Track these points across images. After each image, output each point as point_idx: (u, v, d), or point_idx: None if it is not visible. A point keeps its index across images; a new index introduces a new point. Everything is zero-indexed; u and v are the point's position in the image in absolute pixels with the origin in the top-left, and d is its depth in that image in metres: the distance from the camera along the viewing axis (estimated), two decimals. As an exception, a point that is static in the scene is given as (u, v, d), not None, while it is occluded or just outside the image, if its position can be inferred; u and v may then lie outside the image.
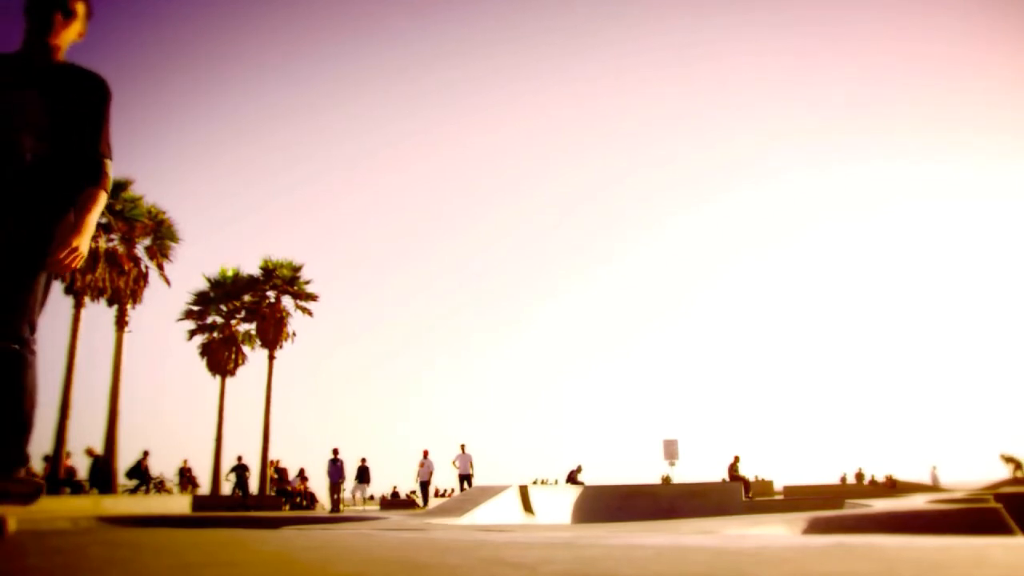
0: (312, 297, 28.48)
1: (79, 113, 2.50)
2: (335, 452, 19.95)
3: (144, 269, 23.22)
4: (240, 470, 21.63)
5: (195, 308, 28.10)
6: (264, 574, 1.42)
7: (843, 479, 32.72)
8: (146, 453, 20.03)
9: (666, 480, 23.93)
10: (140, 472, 19.85)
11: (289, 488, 21.74)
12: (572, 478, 23.23)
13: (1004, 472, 27.49)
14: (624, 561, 1.48)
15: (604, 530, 3.23)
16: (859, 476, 31.78)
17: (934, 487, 25.66)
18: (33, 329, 2.33)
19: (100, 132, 2.54)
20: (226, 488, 23.71)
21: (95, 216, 2.47)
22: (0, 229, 2.31)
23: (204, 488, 24.05)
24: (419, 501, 22.92)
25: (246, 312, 28.12)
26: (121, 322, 22.63)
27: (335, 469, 19.69)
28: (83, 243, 2.39)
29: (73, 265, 2.36)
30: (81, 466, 19.93)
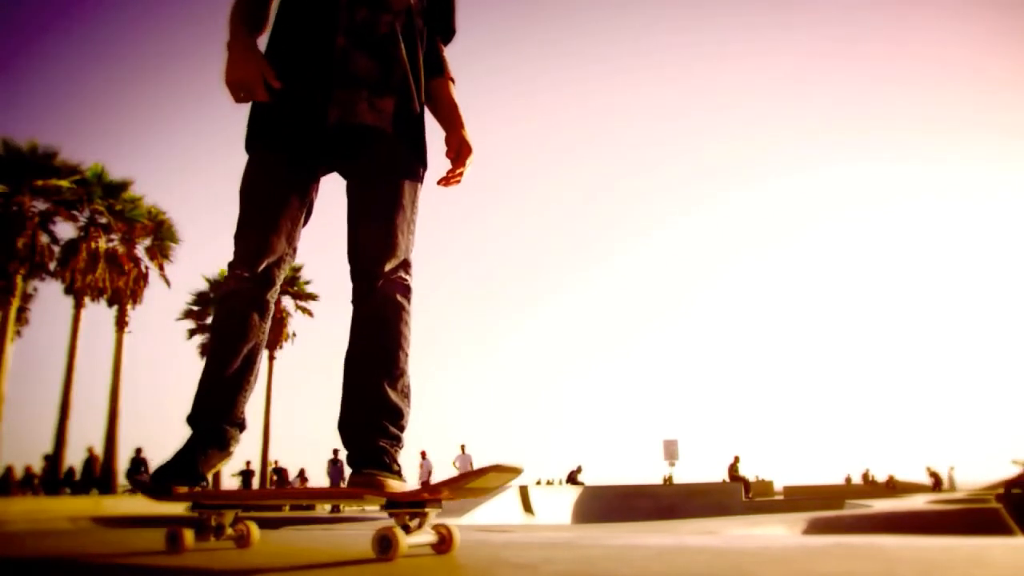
0: (312, 297, 28.49)
1: None
2: (335, 453, 19.93)
3: (144, 269, 23.21)
4: (247, 475, 21.81)
5: (195, 308, 28.09)
6: (266, 574, 1.42)
7: (848, 480, 32.57)
8: (138, 450, 20.01)
9: (668, 480, 23.90)
10: (137, 471, 19.83)
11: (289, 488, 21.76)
12: (572, 478, 23.21)
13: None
14: (624, 561, 1.48)
15: (604, 530, 3.23)
16: (865, 477, 31.62)
17: (949, 488, 25.49)
18: (409, 264, 1.82)
19: (452, 7, 2.08)
20: (227, 488, 23.74)
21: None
22: (376, 110, 1.80)
23: (204, 488, 24.04)
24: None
25: (246, 312, 28.09)
26: (121, 322, 22.62)
27: (335, 470, 19.69)
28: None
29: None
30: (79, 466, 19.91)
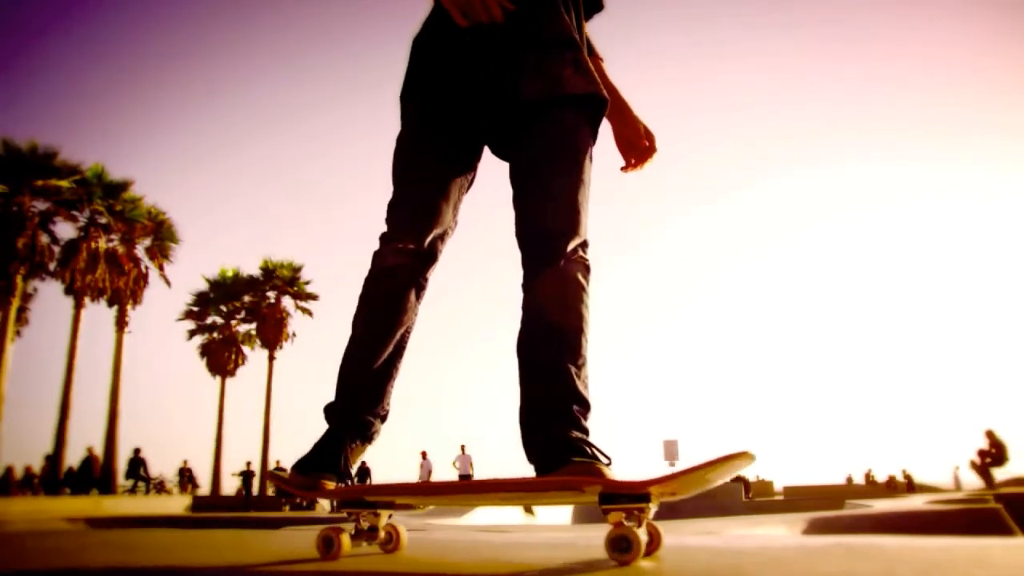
0: (312, 297, 28.51)
1: None
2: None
3: (144, 270, 23.26)
4: (247, 475, 21.85)
5: (195, 308, 28.13)
6: (267, 574, 1.42)
7: (849, 480, 32.54)
8: (137, 450, 20.02)
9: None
10: (136, 471, 19.86)
11: (289, 488, 21.75)
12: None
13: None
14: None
15: (605, 531, 3.23)
16: (867, 477, 31.56)
17: (955, 488, 25.48)
18: (588, 244, 1.64)
19: None
20: (226, 488, 23.83)
21: None
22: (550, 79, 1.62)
23: (204, 488, 24.09)
24: (419, 501, 22.92)
25: (246, 312, 28.16)
26: (121, 322, 22.66)
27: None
28: None
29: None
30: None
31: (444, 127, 1.68)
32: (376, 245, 1.72)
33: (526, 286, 1.61)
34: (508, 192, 1.66)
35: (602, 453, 1.43)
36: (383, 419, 1.68)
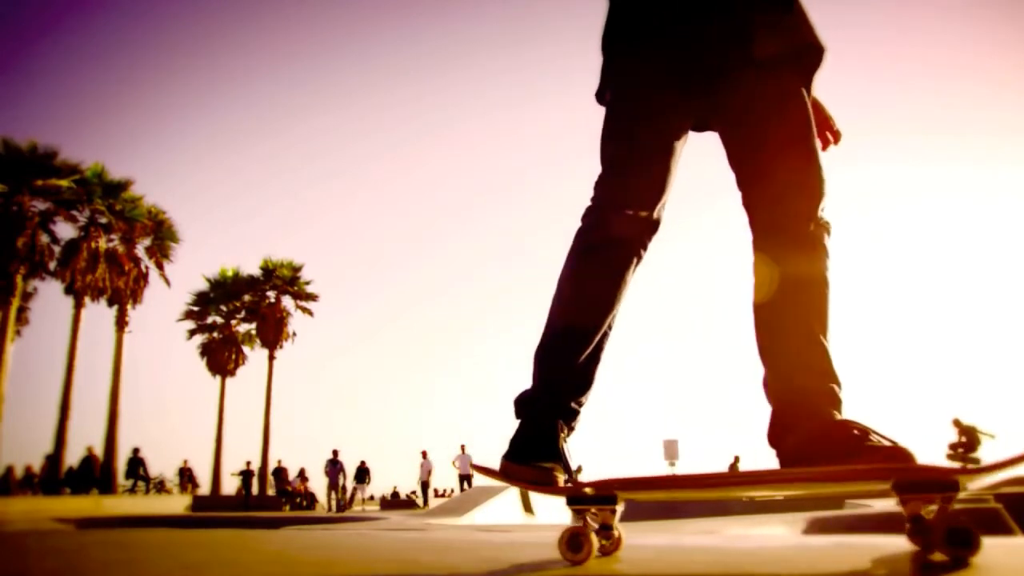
0: (312, 297, 28.53)
1: None
2: (335, 453, 19.96)
3: (144, 269, 23.27)
4: (247, 475, 21.87)
5: (195, 308, 28.13)
6: (266, 574, 1.42)
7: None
8: (136, 450, 20.04)
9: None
10: (135, 471, 19.87)
11: (289, 488, 21.76)
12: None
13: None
14: (625, 561, 1.48)
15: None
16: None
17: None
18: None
19: None
20: (227, 488, 23.85)
21: None
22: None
23: (204, 488, 24.11)
24: (419, 501, 22.93)
25: (246, 312, 28.16)
26: (121, 322, 22.66)
27: (334, 470, 19.72)
28: None
29: None
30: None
31: (670, 84, 1.53)
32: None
33: (770, 252, 1.48)
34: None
35: (882, 436, 1.29)
36: (583, 407, 1.53)
